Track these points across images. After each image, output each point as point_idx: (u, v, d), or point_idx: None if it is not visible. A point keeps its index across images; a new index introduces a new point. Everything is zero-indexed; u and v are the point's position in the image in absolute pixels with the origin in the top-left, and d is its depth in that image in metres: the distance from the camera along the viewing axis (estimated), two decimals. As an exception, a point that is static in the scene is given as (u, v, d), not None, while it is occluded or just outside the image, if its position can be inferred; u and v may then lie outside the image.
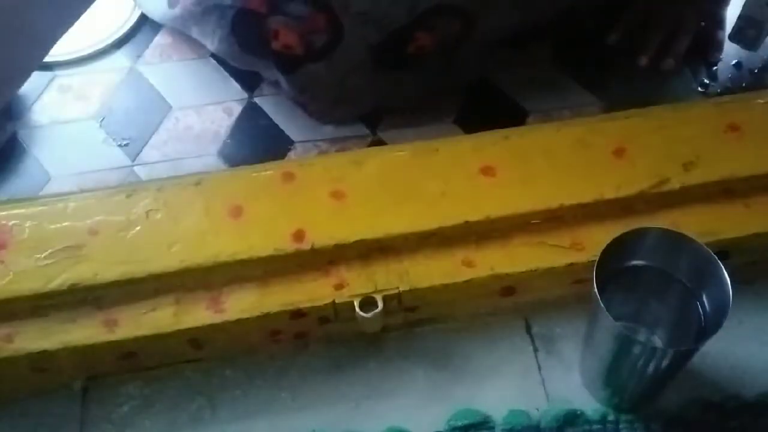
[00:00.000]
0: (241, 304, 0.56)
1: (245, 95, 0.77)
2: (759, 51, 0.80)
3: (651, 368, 0.52)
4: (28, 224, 0.59)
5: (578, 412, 0.57)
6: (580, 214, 0.60)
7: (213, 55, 0.80)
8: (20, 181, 0.72)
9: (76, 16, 0.61)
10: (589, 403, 0.58)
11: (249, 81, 0.78)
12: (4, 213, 0.59)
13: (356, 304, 0.56)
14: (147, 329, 0.56)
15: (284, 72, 0.71)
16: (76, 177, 0.72)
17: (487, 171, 0.61)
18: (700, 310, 0.53)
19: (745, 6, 0.79)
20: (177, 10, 0.75)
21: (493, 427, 0.57)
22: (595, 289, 0.50)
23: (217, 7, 0.71)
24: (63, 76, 0.79)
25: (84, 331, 0.56)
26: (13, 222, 0.59)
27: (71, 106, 0.77)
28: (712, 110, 0.64)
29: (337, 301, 0.56)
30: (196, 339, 0.57)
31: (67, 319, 0.56)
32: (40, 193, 0.70)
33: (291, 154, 0.73)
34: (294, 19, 0.66)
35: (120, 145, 0.74)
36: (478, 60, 0.75)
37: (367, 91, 0.73)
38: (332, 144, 0.74)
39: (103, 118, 0.76)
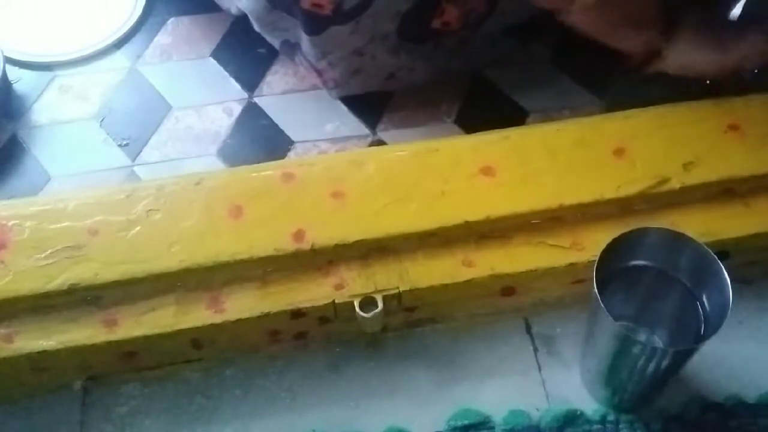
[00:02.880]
0: (241, 304, 0.56)
1: (245, 95, 0.77)
2: (759, 51, 0.79)
3: (651, 368, 0.52)
4: (28, 224, 0.59)
5: (578, 412, 0.57)
6: (580, 214, 0.60)
7: (213, 55, 0.80)
8: (20, 181, 0.72)
9: None
10: (589, 403, 0.58)
11: (249, 81, 0.78)
12: (4, 213, 0.59)
13: (356, 304, 0.56)
14: (147, 329, 0.56)
15: (310, 32, 0.70)
16: (76, 177, 0.72)
17: (487, 171, 0.61)
18: (700, 310, 0.53)
19: (745, 5, 0.79)
20: None
21: (493, 427, 0.57)
22: (595, 289, 0.50)
23: None
24: (63, 76, 0.79)
25: (84, 331, 0.56)
26: (13, 222, 0.59)
27: (71, 106, 0.77)
28: (712, 110, 0.64)
29: (337, 301, 0.56)
30: (196, 339, 0.57)
31: (67, 319, 0.56)
32: (40, 193, 0.71)
33: (291, 154, 0.73)
34: None
35: (120, 145, 0.74)
36: (488, 47, 0.75)
37: (383, 64, 0.72)
38: (332, 144, 0.74)
39: (103, 118, 0.76)
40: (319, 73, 0.74)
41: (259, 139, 0.75)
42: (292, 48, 0.75)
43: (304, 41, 0.72)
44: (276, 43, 0.77)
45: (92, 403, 0.59)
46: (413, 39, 0.71)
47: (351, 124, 0.75)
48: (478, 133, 0.65)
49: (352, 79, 0.73)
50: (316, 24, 0.69)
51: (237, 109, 0.76)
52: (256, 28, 0.75)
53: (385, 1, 0.66)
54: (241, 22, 0.78)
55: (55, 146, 0.74)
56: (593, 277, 0.50)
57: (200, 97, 0.78)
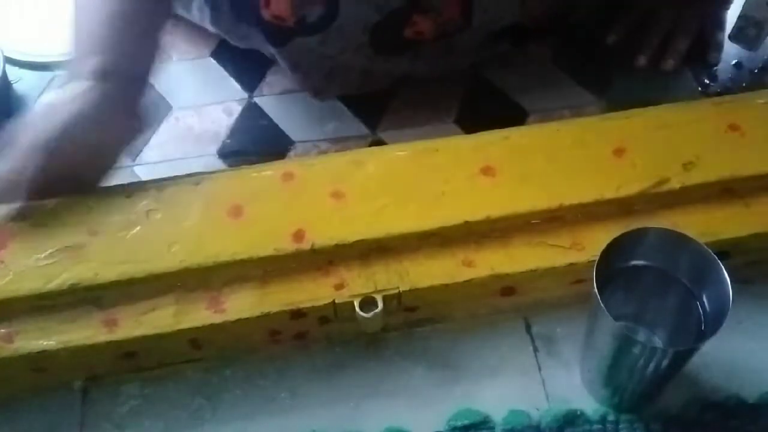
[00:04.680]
0: (241, 304, 0.56)
1: (245, 95, 0.77)
2: (759, 51, 0.80)
3: (651, 368, 0.52)
4: (28, 224, 0.59)
5: (578, 412, 0.57)
6: (580, 214, 0.60)
7: (213, 55, 0.80)
8: (20, 181, 0.72)
9: None
10: (589, 403, 0.58)
11: (249, 81, 0.78)
12: (4, 213, 0.59)
13: (356, 304, 0.56)
14: (147, 329, 0.56)
15: (275, 44, 0.70)
16: (76, 177, 0.72)
17: (487, 171, 0.61)
18: (700, 310, 0.53)
19: (745, 5, 0.79)
20: None
21: (493, 427, 0.57)
22: (595, 289, 0.50)
23: None
24: (63, 76, 0.79)
25: (84, 331, 0.56)
26: (13, 222, 0.59)
27: (71, 106, 0.77)
28: (712, 110, 0.64)
29: (337, 301, 0.56)
30: (196, 339, 0.57)
31: (67, 319, 0.56)
32: (40, 193, 0.70)
33: (291, 154, 0.73)
34: None
35: (120, 145, 0.74)
36: (477, 48, 0.75)
37: (364, 70, 0.72)
38: (332, 144, 0.74)
39: (103, 118, 0.76)
40: (298, 83, 0.74)
41: (259, 139, 0.75)
42: (272, 55, 0.75)
43: (275, 53, 0.72)
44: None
45: (92, 403, 0.59)
46: (388, 50, 0.70)
47: (351, 124, 0.75)
48: (478, 133, 0.65)
49: (332, 83, 0.73)
50: (279, 36, 0.69)
51: (237, 109, 0.77)
52: (233, 43, 0.75)
53: (352, 14, 0.66)
54: (241, 22, 0.78)
55: (55, 146, 0.74)
56: (593, 277, 0.50)
57: (200, 97, 0.78)
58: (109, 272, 0.56)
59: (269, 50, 0.73)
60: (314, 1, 0.65)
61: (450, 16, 0.68)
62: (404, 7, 0.66)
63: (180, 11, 0.77)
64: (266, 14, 0.67)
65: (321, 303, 0.56)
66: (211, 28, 0.75)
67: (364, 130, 0.75)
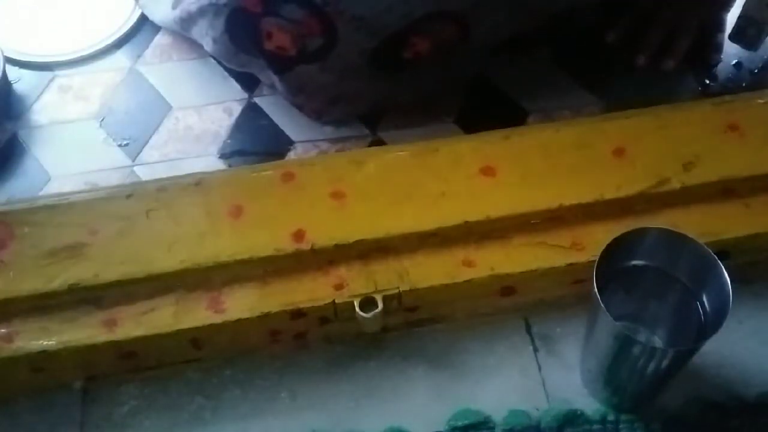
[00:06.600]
0: (241, 304, 0.56)
1: (245, 95, 0.77)
2: (759, 51, 0.80)
3: (651, 368, 0.52)
4: (28, 224, 0.59)
5: (578, 412, 0.57)
6: (580, 214, 0.60)
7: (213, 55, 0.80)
8: (20, 181, 0.72)
9: None
10: (589, 403, 0.58)
11: (249, 81, 0.78)
12: (4, 213, 0.59)
13: (356, 304, 0.56)
14: (147, 329, 0.56)
15: (278, 72, 0.71)
16: (76, 177, 0.72)
17: (487, 171, 0.61)
18: (700, 310, 0.53)
19: (745, 6, 0.79)
20: (177, 12, 0.75)
21: (493, 427, 0.57)
22: (595, 289, 0.50)
23: (212, 5, 0.71)
24: (63, 76, 0.79)
25: (84, 331, 0.56)
26: (13, 222, 0.59)
27: (71, 106, 0.77)
28: (712, 110, 0.64)
29: (337, 301, 0.56)
30: (196, 339, 0.57)
31: (67, 319, 0.56)
32: (40, 193, 0.70)
33: (291, 154, 0.73)
34: (288, 22, 0.66)
35: (120, 145, 0.74)
36: (477, 59, 0.75)
37: (365, 92, 0.73)
38: (332, 144, 0.74)
39: (103, 118, 0.76)
40: (299, 107, 0.74)
41: (259, 139, 0.75)
42: (270, 86, 0.76)
43: (276, 81, 0.72)
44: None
45: (92, 403, 0.59)
46: (389, 70, 0.71)
47: (351, 124, 0.75)
48: (478, 133, 0.65)
49: (334, 107, 0.74)
50: (281, 64, 0.70)
51: (237, 109, 0.76)
52: (231, 67, 0.76)
53: (350, 41, 0.67)
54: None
55: (55, 146, 0.74)
56: (593, 277, 0.50)
57: (200, 97, 0.77)
58: (109, 272, 0.56)
59: (269, 77, 0.74)
60: (314, 32, 0.66)
61: (447, 35, 0.69)
62: (401, 31, 0.67)
63: (180, 31, 0.77)
64: (269, 45, 0.68)
65: (321, 303, 0.56)
66: (210, 52, 0.75)
67: (364, 130, 0.75)
